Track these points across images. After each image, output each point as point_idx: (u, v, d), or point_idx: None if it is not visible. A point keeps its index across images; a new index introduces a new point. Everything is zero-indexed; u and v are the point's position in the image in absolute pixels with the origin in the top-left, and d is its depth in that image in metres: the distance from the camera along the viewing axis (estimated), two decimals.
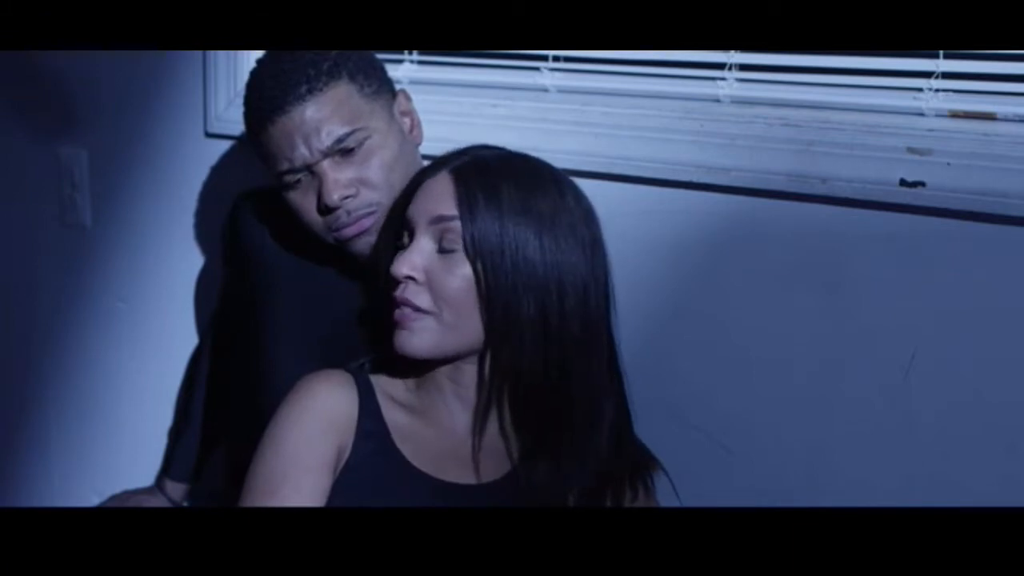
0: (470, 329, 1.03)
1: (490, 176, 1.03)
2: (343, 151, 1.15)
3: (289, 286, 1.29)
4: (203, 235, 1.69)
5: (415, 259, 1.02)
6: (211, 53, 1.59)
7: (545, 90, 1.39)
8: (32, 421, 1.99)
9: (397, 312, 1.03)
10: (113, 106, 1.74)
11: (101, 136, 1.77)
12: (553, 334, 1.02)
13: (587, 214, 1.07)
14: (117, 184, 1.77)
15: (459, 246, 1.01)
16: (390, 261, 1.06)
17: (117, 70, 1.71)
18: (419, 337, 1.02)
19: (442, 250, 1.02)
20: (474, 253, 1.01)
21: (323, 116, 1.14)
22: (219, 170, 1.64)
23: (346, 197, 1.15)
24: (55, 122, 1.82)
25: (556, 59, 1.38)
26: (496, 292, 1.01)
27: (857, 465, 1.18)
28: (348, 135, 1.15)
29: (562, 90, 1.38)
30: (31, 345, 1.97)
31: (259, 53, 1.24)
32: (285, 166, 1.16)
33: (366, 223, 1.16)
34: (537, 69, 1.40)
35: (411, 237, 1.04)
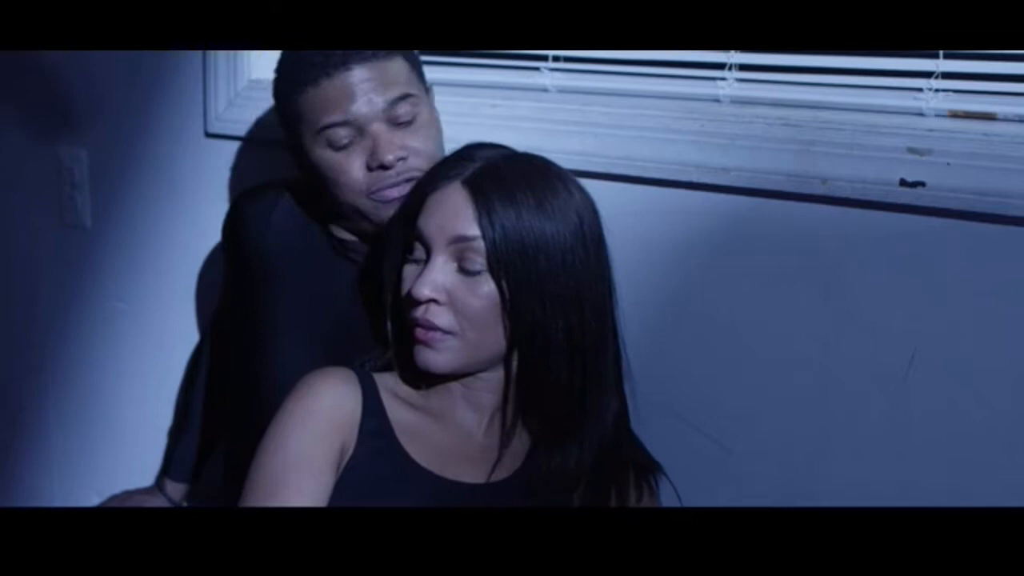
0: (492, 344, 1.03)
1: (506, 187, 1.01)
2: (394, 119, 1.17)
3: (289, 285, 1.29)
4: (203, 235, 1.68)
5: (437, 280, 1.01)
6: (211, 53, 1.58)
7: (545, 90, 1.39)
8: (32, 421, 1.99)
9: (419, 331, 1.02)
10: (113, 106, 1.74)
11: (101, 136, 1.77)
12: (576, 339, 1.03)
13: (591, 210, 1.07)
14: (117, 184, 1.77)
15: (482, 266, 1.00)
16: (397, 271, 1.05)
17: (117, 70, 1.71)
18: (443, 356, 1.02)
19: (463, 270, 1.01)
20: (499, 272, 1.00)
21: (386, 77, 1.16)
22: (219, 170, 1.64)
23: (400, 158, 1.16)
24: (55, 122, 1.82)
25: (556, 59, 1.38)
26: (522, 308, 1.01)
27: (857, 465, 1.18)
28: (406, 98, 1.17)
29: (562, 90, 1.38)
30: (31, 345, 1.97)
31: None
32: (338, 118, 1.16)
33: (405, 188, 1.17)
34: (537, 69, 1.40)
35: (428, 253, 1.02)
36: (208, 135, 1.63)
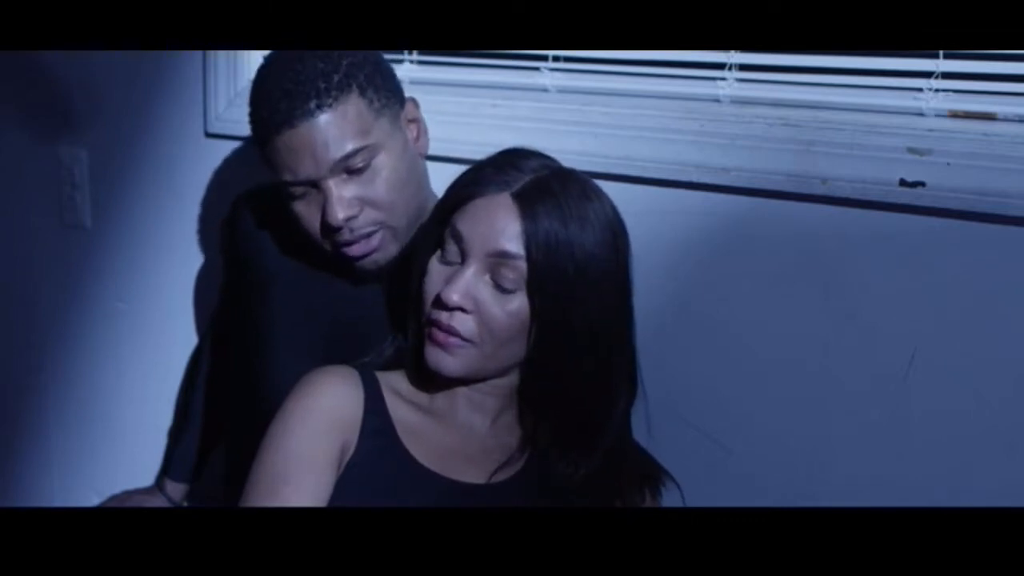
0: (508, 356, 1.02)
1: (555, 208, 0.98)
2: (349, 169, 1.13)
3: (289, 286, 1.29)
4: (203, 235, 1.69)
5: (469, 288, 0.99)
6: (211, 53, 1.58)
7: (545, 90, 1.39)
8: (32, 421, 1.99)
9: (437, 333, 1.01)
10: (113, 106, 1.74)
11: (101, 136, 1.77)
12: (599, 357, 1.03)
13: (621, 222, 1.05)
14: (117, 184, 1.77)
15: (519, 286, 0.98)
16: (424, 265, 1.04)
17: (117, 70, 1.71)
18: (457, 361, 1.01)
19: (496, 283, 0.99)
20: (534, 292, 0.98)
21: (331, 133, 1.12)
22: (219, 170, 1.64)
23: (350, 217, 1.14)
24: (55, 122, 1.82)
25: (556, 59, 1.38)
26: (550, 326, 1.00)
27: (857, 465, 1.18)
28: (355, 152, 1.13)
29: (562, 90, 1.38)
30: (31, 345, 1.97)
31: (259, 53, 1.24)
32: (289, 178, 1.15)
33: (373, 242, 1.16)
34: (537, 69, 1.40)
35: (463, 258, 1.00)
36: (208, 135, 1.63)
